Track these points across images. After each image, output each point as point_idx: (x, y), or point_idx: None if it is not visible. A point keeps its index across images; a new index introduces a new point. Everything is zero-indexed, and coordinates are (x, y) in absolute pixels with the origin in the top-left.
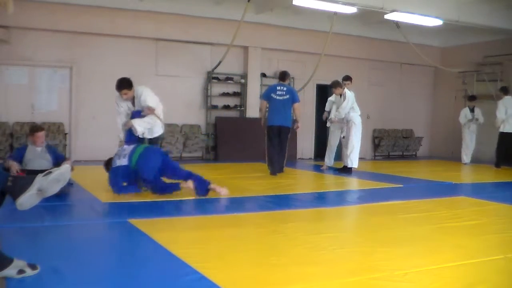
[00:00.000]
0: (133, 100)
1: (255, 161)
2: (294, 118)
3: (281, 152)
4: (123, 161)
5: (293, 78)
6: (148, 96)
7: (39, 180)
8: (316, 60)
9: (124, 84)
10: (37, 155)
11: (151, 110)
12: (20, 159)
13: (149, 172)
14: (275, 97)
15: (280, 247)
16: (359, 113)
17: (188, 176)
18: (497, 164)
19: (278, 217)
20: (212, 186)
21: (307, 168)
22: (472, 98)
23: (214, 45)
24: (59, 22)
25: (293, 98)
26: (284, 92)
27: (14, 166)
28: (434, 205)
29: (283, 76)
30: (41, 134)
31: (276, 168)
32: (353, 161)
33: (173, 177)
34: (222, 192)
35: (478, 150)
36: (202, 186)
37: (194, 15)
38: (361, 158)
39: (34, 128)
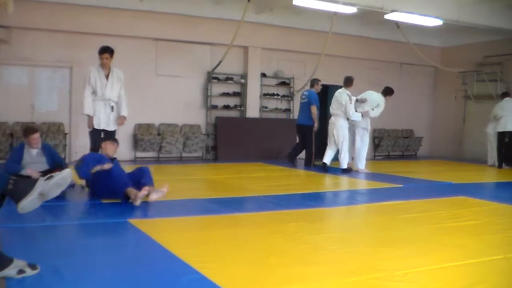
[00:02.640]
0: (107, 74)
1: (255, 161)
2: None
3: (306, 148)
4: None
5: (293, 78)
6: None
7: (40, 184)
8: (316, 60)
9: (109, 49)
10: (33, 158)
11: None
12: (20, 160)
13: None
14: (301, 100)
15: (280, 247)
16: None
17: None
18: (499, 165)
19: (278, 217)
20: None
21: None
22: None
23: (214, 45)
24: (59, 22)
25: (309, 101)
26: (305, 96)
27: (34, 173)
28: (434, 205)
29: (311, 83)
30: (36, 136)
31: (291, 156)
32: (342, 162)
33: None
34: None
35: (478, 151)
36: None
37: (194, 15)
38: None
39: (29, 130)
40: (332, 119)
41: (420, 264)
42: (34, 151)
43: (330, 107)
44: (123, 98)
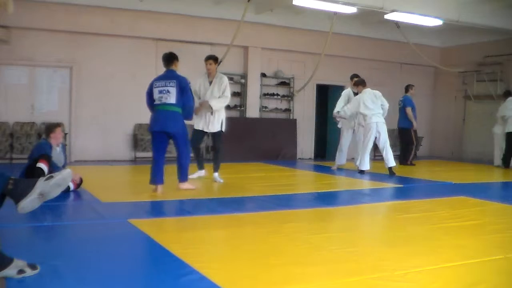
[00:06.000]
0: (211, 80)
1: (255, 161)
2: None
3: (406, 147)
4: None
5: (293, 78)
6: (228, 87)
7: (40, 184)
8: (316, 60)
9: (212, 56)
10: (56, 156)
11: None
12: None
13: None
14: (398, 106)
15: (280, 247)
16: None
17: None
18: (507, 165)
19: (278, 217)
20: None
21: (307, 168)
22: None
23: (214, 45)
24: (59, 22)
25: (404, 105)
26: (401, 102)
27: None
28: (434, 205)
29: (406, 89)
30: (61, 130)
31: (400, 160)
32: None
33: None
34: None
35: (478, 151)
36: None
37: (194, 15)
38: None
39: (54, 125)
40: (377, 118)
41: (420, 264)
42: (58, 149)
43: (371, 107)
44: (222, 96)
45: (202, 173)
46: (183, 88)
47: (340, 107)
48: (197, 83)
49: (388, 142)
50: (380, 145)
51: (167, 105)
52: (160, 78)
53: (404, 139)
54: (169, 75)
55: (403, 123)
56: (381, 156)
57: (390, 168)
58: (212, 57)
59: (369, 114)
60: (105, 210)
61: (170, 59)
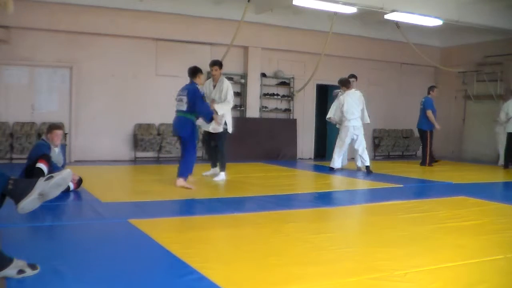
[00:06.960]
0: (215, 84)
1: (255, 161)
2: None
3: (422, 149)
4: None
5: (293, 78)
6: (229, 91)
7: (40, 184)
8: (316, 60)
9: (217, 62)
10: (54, 157)
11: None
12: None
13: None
14: (420, 107)
15: (280, 247)
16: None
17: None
18: (506, 165)
19: (278, 217)
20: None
21: (307, 168)
22: None
23: (214, 45)
24: (59, 22)
25: (425, 107)
26: (422, 103)
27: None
28: (434, 205)
29: (428, 90)
30: (60, 132)
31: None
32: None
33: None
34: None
35: (478, 151)
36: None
37: (194, 15)
38: None
39: (54, 126)
40: (355, 122)
41: (420, 264)
42: (57, 149)
43: (351, 110)
44: (225, 101)
45: (215, 170)
46: (192, 99)
47: (333, 112)
48: (204, 87)
49: (365, 144)
50: (356, 146)
51: (179, 112)
52: (181, 89)
53: (423, 141)
54: (186, 87)
55: (421, 125)
56: (381, 156)
57: (367, 167)
58: (216, 63)
59: (348, 117)
60: (105, 210)
61: (193, 72)
